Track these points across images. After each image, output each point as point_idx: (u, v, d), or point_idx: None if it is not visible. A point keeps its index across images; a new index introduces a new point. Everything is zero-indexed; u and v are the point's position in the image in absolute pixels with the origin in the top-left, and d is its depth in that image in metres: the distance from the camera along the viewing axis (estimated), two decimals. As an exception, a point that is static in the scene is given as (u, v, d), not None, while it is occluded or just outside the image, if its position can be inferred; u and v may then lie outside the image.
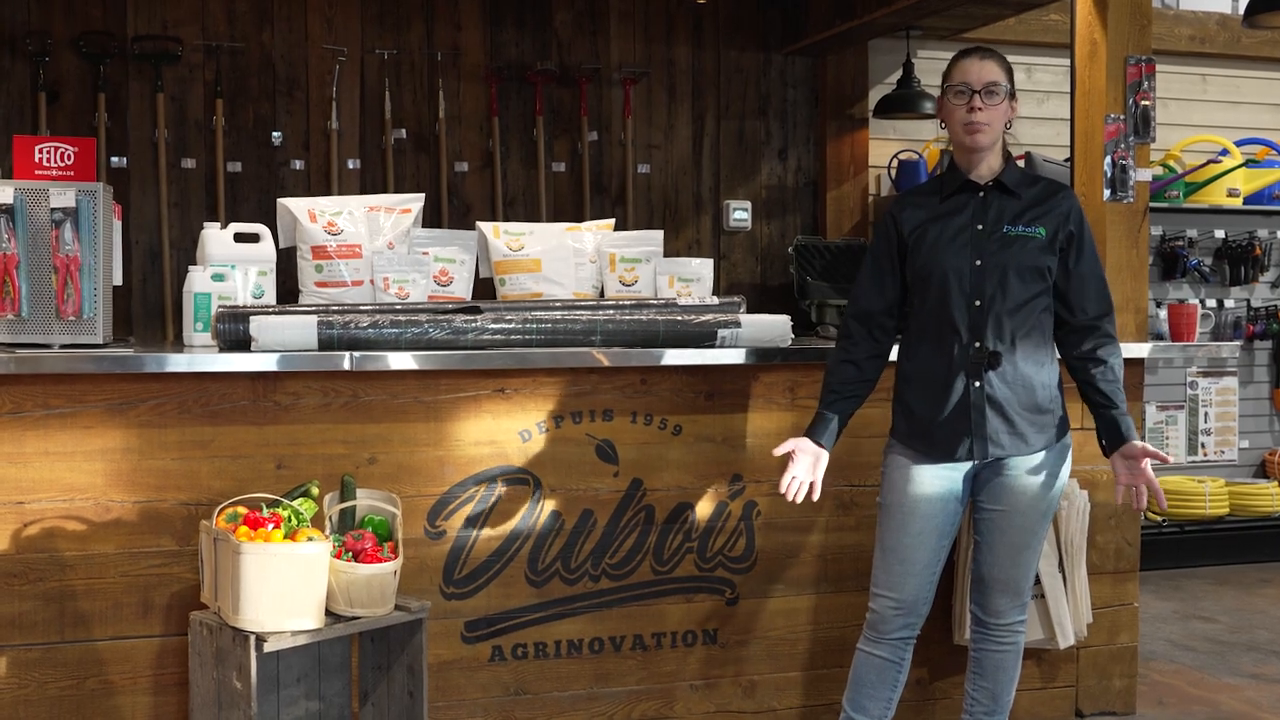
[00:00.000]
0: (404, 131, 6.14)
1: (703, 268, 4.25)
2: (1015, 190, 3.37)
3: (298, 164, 6.02)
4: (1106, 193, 4.37)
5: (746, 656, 4.00)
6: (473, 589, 3.76)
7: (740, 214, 6.63)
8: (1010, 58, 6.98)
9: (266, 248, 4.06)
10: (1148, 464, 3.33)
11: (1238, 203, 7.08)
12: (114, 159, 5.76)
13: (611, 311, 3.85)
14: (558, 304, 3.92)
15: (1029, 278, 3.31)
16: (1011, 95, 3.36)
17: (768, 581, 4.01)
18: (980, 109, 3.28)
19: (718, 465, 3.96)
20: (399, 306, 3.81)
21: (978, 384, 3.30)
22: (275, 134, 5.98)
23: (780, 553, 4.02)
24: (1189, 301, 6.47)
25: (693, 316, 3.81)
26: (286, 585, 2.94)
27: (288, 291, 4.17)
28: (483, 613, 3.77)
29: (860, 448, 3.97)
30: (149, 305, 5.80)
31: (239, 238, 4.03)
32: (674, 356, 3.80)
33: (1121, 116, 4.37)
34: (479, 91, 6.24)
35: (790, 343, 3.95)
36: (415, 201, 4.27)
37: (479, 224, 4.30)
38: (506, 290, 4.24)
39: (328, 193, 5.99)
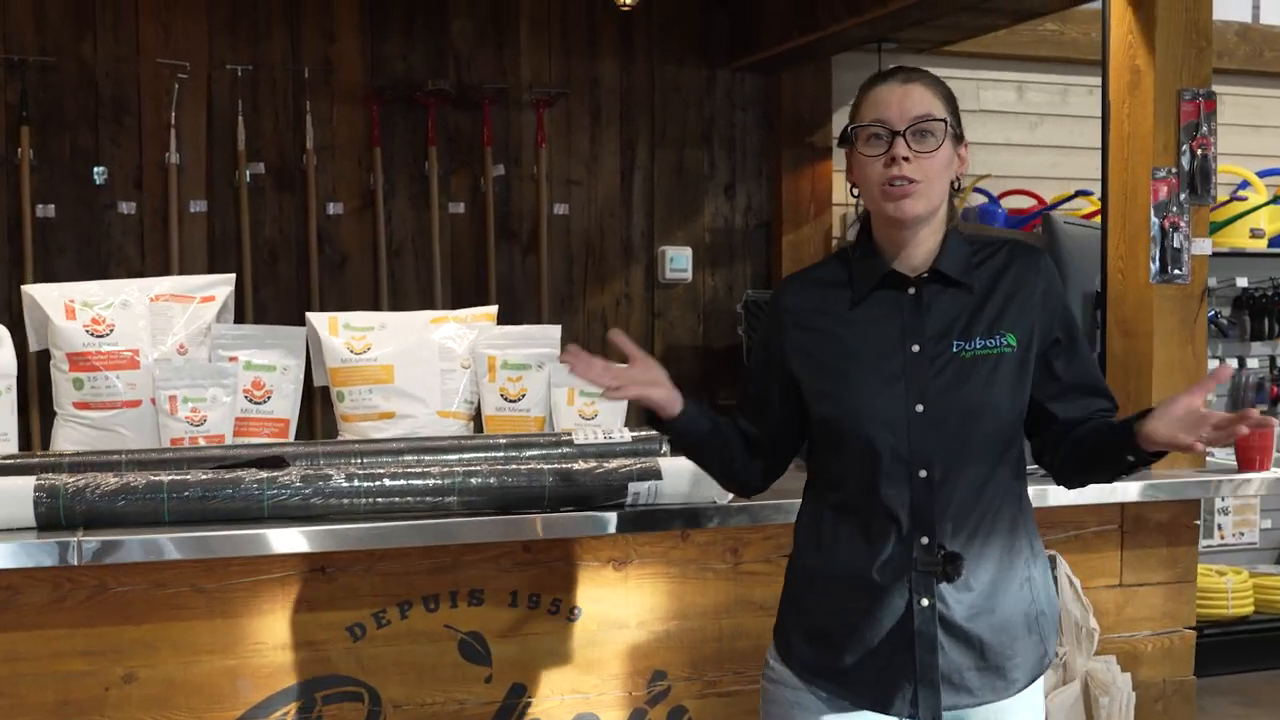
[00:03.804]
0: (262, 165, 4.99)
1: (614, 377, 3.12)
2: (962, 279, 2.18)
3: (127, 207, 4.86)
4: (1154, 269, 3.30)
5: None
6: None
7: (679, 262, 5.54)
8: (998, 74, 5.97)
9: (2, 355, 2.92)
10: (1199, 404, 2.04)
11: (1262, 245, 6.06)
12: (-114, 201, 4.59)
13: (479, 455, 2.75)
14: (401, 443, 2.80)
15: (1001, 424, 2.15)
16: (957, 137, 2.17)
17: (703, 820, 2.91)
18: (907, 159, 2.12)
19: (632, 660, 2.88)
20: (169, 455, 2.68)
21: (927, 602, 2.13)
22: (98, 169, 4.82)
23: (721, 778, 2.93)
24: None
25: (594, 465, 2.70)
26: None
27: (46, 414, 3.03)
28: None
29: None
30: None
31: (-41, 342, 2.89)
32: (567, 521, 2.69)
33: (1173, 170, 3.30)
34: (357, 115, 5.10)
35: (730, 499, 2.82)
36: (221, 286, 3.14)
37: (309, 316, 3.17)
38: (347, 408, 3.11)
39: (165, 242, 4.83)
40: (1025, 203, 5.81)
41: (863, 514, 2.16)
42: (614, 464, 2.71)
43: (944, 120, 2.13)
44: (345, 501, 2.58)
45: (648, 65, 5.50)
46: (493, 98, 5.22)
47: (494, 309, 3.28)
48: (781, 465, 2.38)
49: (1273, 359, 6.19)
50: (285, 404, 3.08)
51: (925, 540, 2.12)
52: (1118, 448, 2.14)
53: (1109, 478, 2.23)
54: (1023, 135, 6.01)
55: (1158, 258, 3.29)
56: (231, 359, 3.05)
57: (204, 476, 2.53)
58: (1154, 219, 3.28)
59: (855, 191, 2.22)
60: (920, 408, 2.12)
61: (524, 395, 3.12)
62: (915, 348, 2.15)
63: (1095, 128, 5.89)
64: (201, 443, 2.93)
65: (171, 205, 4.85)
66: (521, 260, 5.34)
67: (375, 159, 5.09)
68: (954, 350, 2.15)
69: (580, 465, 2.70)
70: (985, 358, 2.14)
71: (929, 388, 2.13)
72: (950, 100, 2.18)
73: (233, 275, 3.17)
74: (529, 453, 2.81)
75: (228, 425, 2.99)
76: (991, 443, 2.15)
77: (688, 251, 5.56)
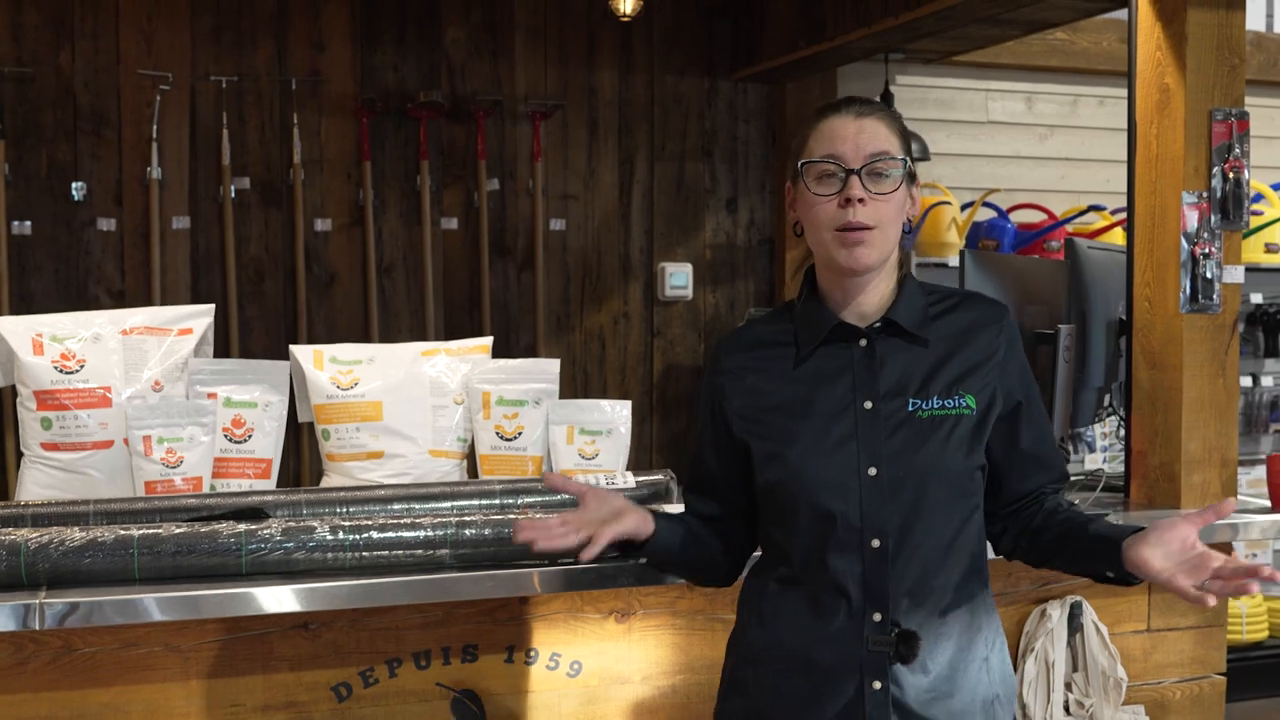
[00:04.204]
0: (248, 180, 4.80)
1: (616, 415, 2.95)
2: (918, 332, 2.04)
3: (107, 223, 4.68)
4: (1183, 298, 3.13)
5: None
6: None
7: (679, 279, 5.36)
8: (1007, 84, 5.83)
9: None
10: (1195, 538, 1.87)
11: (1276, 260, 5.90)
12: None
13: (474, 504, 2.58)
14: (390, 490, 2.63)
15: (960, 491, 2.01)
16: (912, 176, 2.03)
17: None
18: (863, 200, 1.97)
19: (635, 717, 2.72)
20: (140, 505, 2.51)
21: (879, 685, 1.97)
22: (76, 185, 4.63)
23: (728, 842, 2.75)
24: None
25: (596, 514, 2.52)
26: None
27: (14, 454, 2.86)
28: None
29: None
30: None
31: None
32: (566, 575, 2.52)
33: (1204, 194, 3.13)
34: (346, 128, 4.92)
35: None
36: (199, 318, 2.96)
37: (293, 349, 3.00)
38: (333, 447, 2.94)
39: (146, 260, 4.65)
40: (1035, 216, 5.65)
41: (810, 587, 2.00)
42: (617, 513, 2.54)
43: (901, 160, 1.99)
44: (330, 556, 2.40)
45: (647, 76, 5.33)
46: (487, 110, 5.03)
47: (488, 340, 3.11)
48: (748, 551, 2.22)
49: (1288, 377, 6.05)
50: (268, 443, 2.91)
51: (878, 617, 1.96)
52: (1096, 561, 1.98)
53: (1072, 575, 2.08)
54: (1032, 147, 5.85)
55: (1188, 287, 3.12)
56: (210, 395, 2.87)
57: (177, 530, 2.35)
58: (1184, 245, 3.12)
59: (799, 230, 2.06)
60: (873, 471, 1.97)
61: (520, 433, 2.94)
62: (867, 404, 2.00)
63: (1106, 139, 5.79)
64: (178, 484, 2.76)
65: (153, 222, 4.66)
66: (516, 278, 5.16)
67: (365, 173, 4.91)
68: (909, 409, 1.99)
69: (581, 514, 2.52)
70: (943, 418, 1.99)
71: (882, 449, 1.97)
72: (905, 136, 2.03)
73: (211, 306, 2.99)
74: (526, 499, 2.64)
75: (206, 467, 2.82)
76: (951, 510, 1.99)
77: (688, 268, 5.39)
